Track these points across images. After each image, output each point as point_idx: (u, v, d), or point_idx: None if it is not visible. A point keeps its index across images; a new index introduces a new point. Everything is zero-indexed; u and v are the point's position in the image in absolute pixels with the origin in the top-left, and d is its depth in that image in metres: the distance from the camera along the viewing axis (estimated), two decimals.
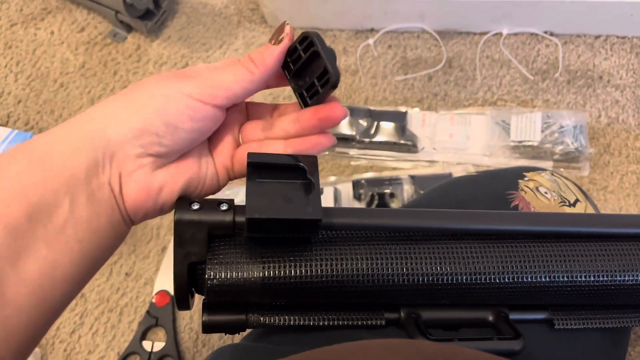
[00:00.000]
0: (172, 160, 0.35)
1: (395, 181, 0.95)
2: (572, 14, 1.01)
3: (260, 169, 0.35)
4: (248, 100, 0.39)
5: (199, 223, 0.34)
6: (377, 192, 0.94)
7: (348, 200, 0.96)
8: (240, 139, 0.39)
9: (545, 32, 1.06)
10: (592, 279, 0.39)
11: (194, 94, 0.33)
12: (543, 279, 0.38)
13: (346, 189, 0.97)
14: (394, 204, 0.92)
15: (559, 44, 1.04)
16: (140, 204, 0.33)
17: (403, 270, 0.36)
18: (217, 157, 0.38)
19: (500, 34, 1.07)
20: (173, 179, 0.35)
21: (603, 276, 0.39)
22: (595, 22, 1.03)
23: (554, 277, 0.39)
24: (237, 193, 0.93)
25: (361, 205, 0.95)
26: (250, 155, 0.35)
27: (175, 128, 0.33)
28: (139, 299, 0.93)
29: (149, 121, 0.32)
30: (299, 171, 0.35)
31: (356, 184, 0.96)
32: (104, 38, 1.18)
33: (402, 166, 0.99)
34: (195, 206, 0.34)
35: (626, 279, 0.40)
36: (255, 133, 0.38)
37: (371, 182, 0.95)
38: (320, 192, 0.34)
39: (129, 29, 1.17)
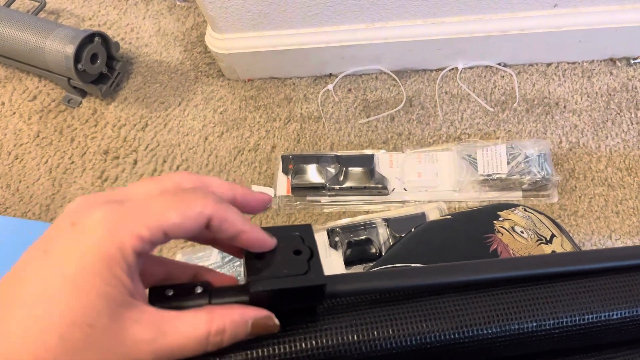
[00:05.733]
0: None
1: (369, 226, 0.94)
2: (522, 44, 1.04)
3: None
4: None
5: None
6: (353, 239, 0.92)
7: (325, 249, 0.95)
8: None
9: (499, 64, 1.08)
10: (577, 318, 0.39)
11: None
12: (530, 325, 0.38)
13: (321, 238, 0.95)
14: (372, 250, 0.91)
15: (514, 74, 1.07)
16: None
17: (389, 332, 0.36)
18: None
19: (456, 68, 1.09)
20: None
21: (588, 314, 0.39)
22: (545, 51, 1.06)
23: (540, 322, 0.39)
24: (209, 255, 0.90)
25: (338, 253, 0.93)
26: None
27: None
28: None
29: None
30: (295, 240, 0.34)
31: (331, 232, 0.94)
32: (58, 105, 1.15)
33: (375, 209, 0.98)
34: (170, 292, 0.32)
35: (612, 314, 0.40)
36: None
37: (346, 229, 0.94)
38: (320, 258, 0.33)
39: (84, 93, 1.15)
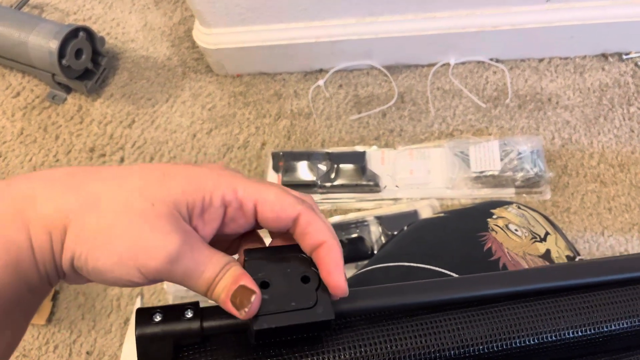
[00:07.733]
0: None
1: (361, 224, 0.93)
2: (515, 40, 1.03)
3: (259, 263, 0.33)
4: None
5: (164, 336, 0.30)
6: (345, 237, 0.91)
7: None
8: None
9: (491, 59, 1.07)
10: (580, 333, 0.39)
11: None
12: (532, 342, 0.37)
13: None
14: (364, 248, 0.90)
15: (506, 70, 1.06)
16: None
17: (388, 355, 0.34)
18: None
19: (448, 64, 1.08)
20: None
21: (590, 329, 0.39)
22: (537, 46, 1.05)
23: (543, 338, 0.38)
24: None
25: None
26: (247, 251, 0.33)
27: None
28: None
29: None
30: (304, 264, 0.33)
31: None
32: (42, 101, 1.13)
33: (367, 206, 0.97)
34: (158, 317, 0.31)
35: (613, 328, 0.39)
36: None
37: (338, 227, 0.93)
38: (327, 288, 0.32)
39: (68, 89, 1.12)
